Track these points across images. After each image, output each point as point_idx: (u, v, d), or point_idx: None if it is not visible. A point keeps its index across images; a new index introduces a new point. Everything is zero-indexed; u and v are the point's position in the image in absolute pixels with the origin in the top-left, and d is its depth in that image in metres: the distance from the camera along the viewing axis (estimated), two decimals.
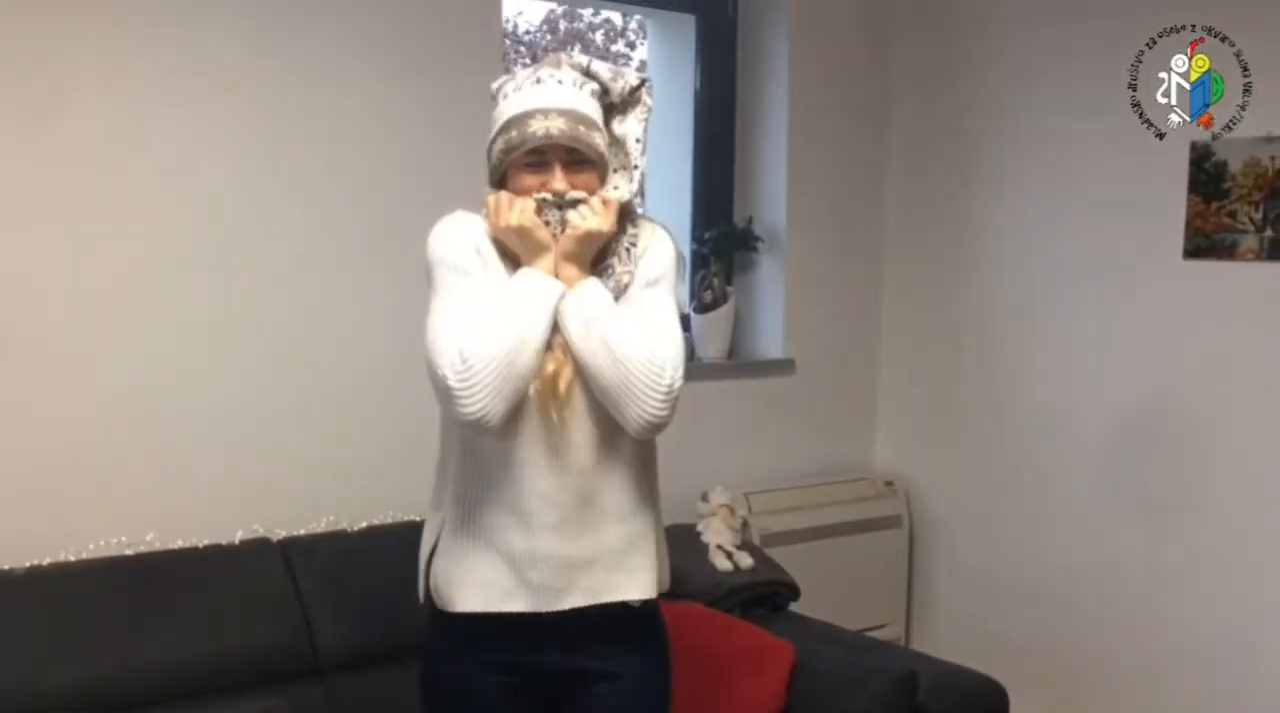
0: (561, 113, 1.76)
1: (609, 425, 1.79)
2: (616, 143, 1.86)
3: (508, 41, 3.37)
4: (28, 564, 2.44)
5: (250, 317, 2.77)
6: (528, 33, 3.73)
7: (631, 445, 1.83)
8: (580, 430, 1.78)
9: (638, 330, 1.75)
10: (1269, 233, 3.00)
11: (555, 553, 1.79)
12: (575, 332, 1.75)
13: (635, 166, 1.85)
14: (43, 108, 2.50)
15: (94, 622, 2.40)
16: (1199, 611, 3.19)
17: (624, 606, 1.84)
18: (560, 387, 1.75)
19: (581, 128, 1.77)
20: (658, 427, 1.75)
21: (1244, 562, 3.10)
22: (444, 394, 1.70)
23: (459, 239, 1.79)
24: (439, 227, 1.82)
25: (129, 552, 2.56)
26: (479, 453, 1.80)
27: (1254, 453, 3.07)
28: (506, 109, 1.80)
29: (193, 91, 2.66)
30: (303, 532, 2.77)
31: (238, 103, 2.72)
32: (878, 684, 2.65)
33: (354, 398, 2.90)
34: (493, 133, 1.82)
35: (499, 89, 1.84)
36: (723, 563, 3.20)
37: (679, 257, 1.88)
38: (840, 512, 3.68)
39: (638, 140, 1.86)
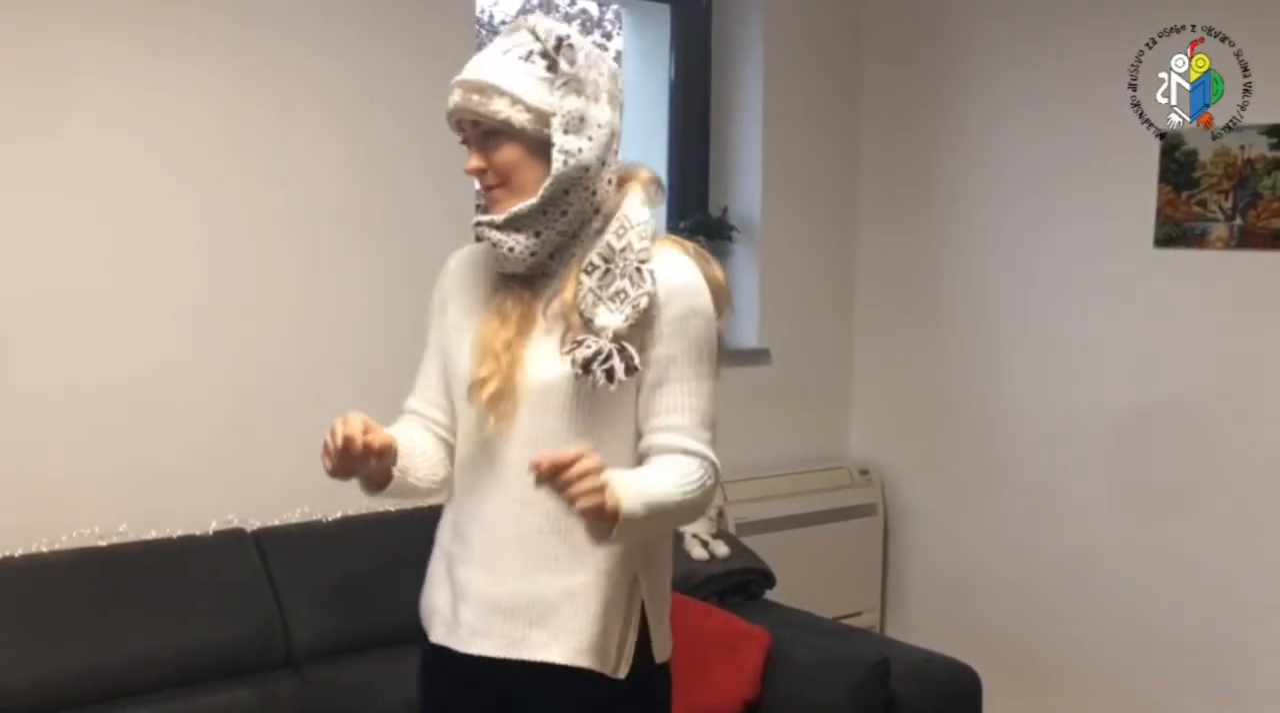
0: (462, 83, 1.59)
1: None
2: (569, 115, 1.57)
3: (484, 32, 3.36)
4: None
5: (226, 307, 2.75)
6: (503, 23, 3.72)
7: None
8: (520, 452, 1.57)
9: (691, 486, 1.55)
10: (1238, 221, 3.02)
11: (482, 590, 1.62)
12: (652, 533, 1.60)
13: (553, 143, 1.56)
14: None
15: (66, 613, 2.39)
16: (1171, 599, 3.22)
17: (563, 671, 1.59)
18: (483, 395, 1.59)
19: (475, 96, 1.56)
20: None
21: (1214, 550, 3.13)
22: None
23: (437, 287, 1.76)
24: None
25: (102, 543, 2.55)
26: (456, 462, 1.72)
27: (1222, 438, 3.10)
28: None
29: (167, 90, 2.65)
30: (276, 522, 2.76)
31: (212, 100, 2.71)
32: (851, 671, 2.67)
33: (328, 388, 2.89)
34: None
35: None
36: (698, 552, 3.21)
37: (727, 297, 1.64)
38: (815, 500, 3.69)
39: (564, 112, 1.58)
